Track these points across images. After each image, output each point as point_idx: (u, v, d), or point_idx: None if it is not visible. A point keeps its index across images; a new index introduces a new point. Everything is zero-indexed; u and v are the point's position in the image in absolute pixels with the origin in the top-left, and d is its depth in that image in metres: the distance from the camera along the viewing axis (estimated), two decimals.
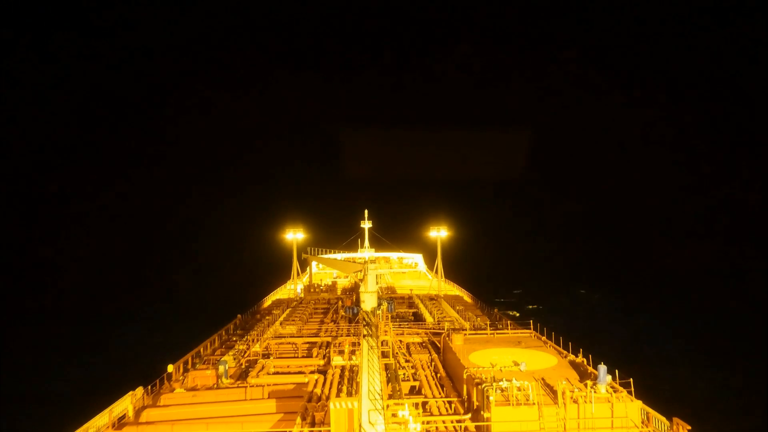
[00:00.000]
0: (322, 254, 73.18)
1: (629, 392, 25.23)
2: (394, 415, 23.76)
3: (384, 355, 35.09)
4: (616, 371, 26.35)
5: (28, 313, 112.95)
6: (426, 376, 34.40)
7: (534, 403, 24.10)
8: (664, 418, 24.78)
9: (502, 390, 25.08)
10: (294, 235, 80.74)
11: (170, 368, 36.54)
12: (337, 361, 36.36)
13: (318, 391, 31.02)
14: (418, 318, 54.58)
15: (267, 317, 54.89)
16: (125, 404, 30.11)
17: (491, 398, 24.17)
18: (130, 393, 30.84)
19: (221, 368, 35.25)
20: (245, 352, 41.12)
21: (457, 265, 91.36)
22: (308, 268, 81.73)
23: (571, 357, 32.14)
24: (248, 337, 45.14)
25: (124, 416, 29.65)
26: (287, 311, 58.56)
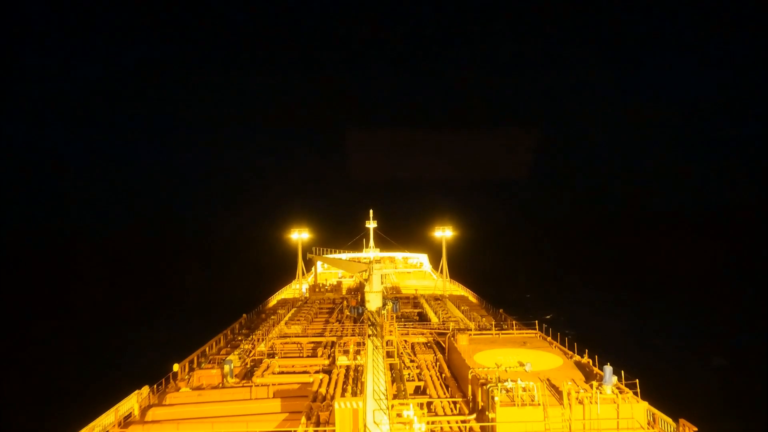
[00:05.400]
0: (327, 254, 73.18)
1: (635, 393, 25.11)
2: (398, 415, 23.71)
3: (389, 355, 35.04)
4: (622, 372, 26.22)
5: (33, 311, 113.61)
6: (431, 376, 34.36)
7: (539, 404, 24.02)
8: (670, 420, 24.66)
9: (507, 390, 25.03)
10: (299, 235, 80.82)
11: (176, 367, 36.66)
12: (342, 360, 36.37)
13: (323, 390, 31.06)
14: (423, 318, 54.53)
15: (272, 317, 54.95)
16: (131, 403, 30.25)
17: (496, 399, 24.11)
18: (136, 392, 30.98)
19: (226, 367, 35.36)
20: (250, 351, 41.20)
21: (462, 265, 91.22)
22: (313, 268, 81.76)
23: (577, 357, 32.02)
24: (253, 336, 45.22)
25: (129, 415, 29.79)
26: (292, 311, 58.61)
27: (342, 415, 23.20)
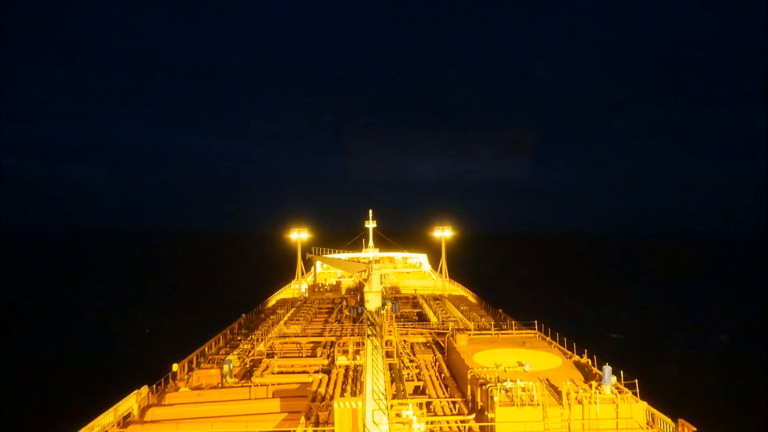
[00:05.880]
0: (326, 254, 73.31)
1: (634, 393, 25.13)
2: (398, 415, 23.70)
3: (388, 355, 35.03)
4: (621, 372, 26.24)
5: (34, 312, 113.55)
6: (430, 376, 34.38)
7: (538, 404, 24.03)
8: (669, 420, 24.68)
9: (507, 390, 25.03)
10: (298, 235, 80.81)
11: (175, 367, 36.63)
12: (341, 360, 36.37)
13: (322, 390, 31.06)
14: (422, 318, 54.53)
15: (271, 317, 54.93)
16: (130, 403, 30.22)
17: (495, 399, 24.11)
18: (135, 392, 30.95)
19: (226, 367, 35.35)
20: (250, 351, 41.18)
21: (462, 265, 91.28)
22: (313, 268, 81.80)
23: (576, 357, 32.03)
24: (253, 336, 45.20)
25: (129, 415, 29.76)
26: (291, 311, 58.58)
27: (341, 415, 23.20)
